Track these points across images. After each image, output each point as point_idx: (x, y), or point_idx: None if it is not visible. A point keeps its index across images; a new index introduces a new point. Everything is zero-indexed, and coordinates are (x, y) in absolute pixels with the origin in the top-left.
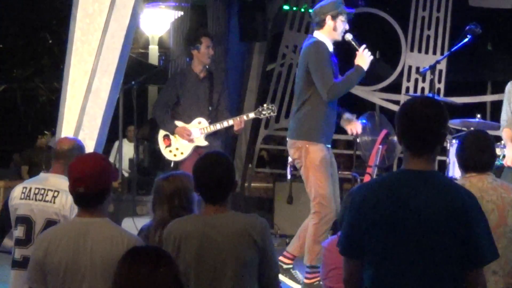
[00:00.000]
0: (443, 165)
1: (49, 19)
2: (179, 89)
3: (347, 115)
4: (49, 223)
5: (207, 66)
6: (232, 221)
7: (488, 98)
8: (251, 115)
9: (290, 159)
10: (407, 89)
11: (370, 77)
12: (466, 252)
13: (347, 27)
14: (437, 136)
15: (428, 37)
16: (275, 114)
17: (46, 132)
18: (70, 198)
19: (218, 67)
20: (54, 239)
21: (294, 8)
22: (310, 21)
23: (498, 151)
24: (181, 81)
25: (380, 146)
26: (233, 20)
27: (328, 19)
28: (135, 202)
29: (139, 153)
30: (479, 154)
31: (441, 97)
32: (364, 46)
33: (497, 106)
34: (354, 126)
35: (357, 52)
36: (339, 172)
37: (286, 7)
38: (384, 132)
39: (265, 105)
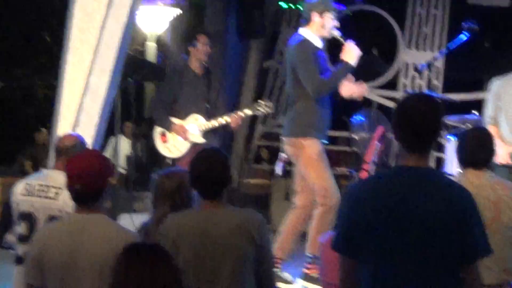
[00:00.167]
0: (440, 162)
1: (49, 19)
2: (176, 87)
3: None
4: (52, 219)
5: (204, 63)
6: (229, 216)
7: (485, 95)
8: (248, 112)
9: (282, 155)
10: (404, 86)
11: (367, 74)
12: (460, 248)
13: (336, 24)
14: (433, 132)
15: (426, 34)
16: (272, 111)
17: (41, 128)
18: None
19: (215, 64)
20: (52, 236)
21: (292, 6)
22: None
23: None
24: (179, 78)
25: (377, 143)
26: (231, 17)
27: (315, 15)
28: (132, 198)
29: (136, 150)
30: (479, 151)
31: (439, 94)
32: (351, 41)
33: None
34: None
35: (344, 48)
36: (336, 169)
37: (283, 5)
38: (381, 128)
39: (262, 101)
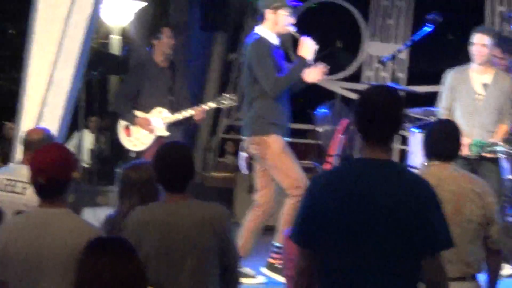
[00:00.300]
0: (404, 154)
1: (12, 11)
2: (140, 80)
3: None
4: (19, 214)
5: (168, 56)
6: (193, 210)
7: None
8: (212, 104)
9: (244, 154)
10: (368, 78)
11: (331, 66)
12: (421, 240)
13: (291, 20)
14: (393, 125)
15: (389, 26)
16: (236, 103)
17: (4, 122)
18: None
19: (179, 57)
20: (14, 230)
21: None
22: None
23: None
24: (142, 71)
25: (341, 135)
26: (195, 10)
27: (269, 12)
28: (95, 192)
29: (100, 143)
30: (444, 143)
31: (403, 86)
32: (306, 36)
33: None
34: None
35: (300, 44)
36: (300, 162)
37: None
38: (345, 121)
39: (226, 94)
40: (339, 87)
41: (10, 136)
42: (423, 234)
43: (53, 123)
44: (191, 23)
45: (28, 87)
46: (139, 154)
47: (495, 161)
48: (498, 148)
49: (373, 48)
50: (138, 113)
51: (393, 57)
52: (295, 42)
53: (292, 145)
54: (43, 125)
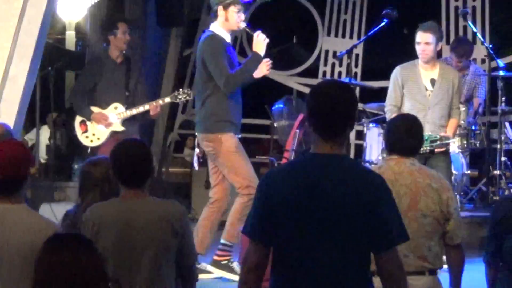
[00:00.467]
0: (360, 149)
1: None
2: (96, 75)
3: None
4: None
5: (124, 52)
6: (151, 207)
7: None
8: (167, 99)
9: (197, 150)
10: (324, 73)
11: (287, 62)
12: (375, 235)
13: (242, 17)
14: (345, 120)
15: (345, 21)
16: (191, 98)
17: None
18: None
19: (135, 52)
20: None
21: None
22: None
23: None
24: (98, 66)
25: (297, 131)
26: (150, 5)
27: (220, 9)
28: (52, 188)
29: (55, 139)
30: (406, 138)
31: (358, 81)
32: (258, 32)
33: None
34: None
35: (253, 39)
36: (257, 157)
37: None
38: (301, 116)
39: (181, 89)
40: (295, 83)
41: None
42: (374, 228)
43: (8, 119)
44: (147, 18)
45: None
46: (94, 149)
47: (446, 154)
48: (452, 144)
49: (329, 43)
50: (94, 109)
51: (349, 52)
52: (250, 40)
53: (254, 140)
54: None
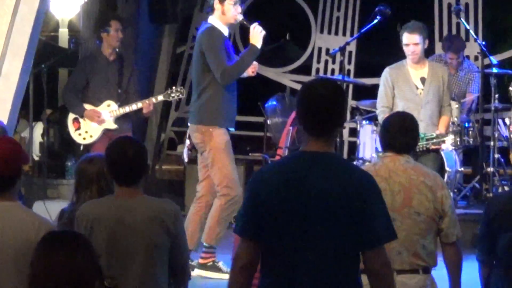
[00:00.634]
0: (354, 146)
1: None
2: (88, 72)
3: None
4: None
5: (116, 49)
6: (145, 206)
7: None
8: (160, 97)
9: (187, 142)
10: (317, 70)
11: (280, 59)
12: (360, 232)
13: (239, 9)
14: (335, 118)
15: (338, 18)
16: (184, 96)
17: None
18: None
19: (128, 50)
20: None
21: None
22: None
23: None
24: (91, 64)
25: (291, 128)
26: (143, 2)
27: (216, 3)
28: (46, 185)
29: (49, 136)
30: (401, 135)
31: (351, 78)
32: (255, 24)
33: None
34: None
35: (250, 32)
36: (250, 154)
37: None
38: (294, 113)
39: (174, 87)
40: (289, 80)
41: None
42: (361, 226)
43: (2, 116)
44: (140, 15)
45: None
46: (87, 147)
47: (436, 152)
48: (446, 141)
49: (322, 41)
50: (87, 106)
51: (342, 49)
52: (244, 35)
53: (247, 138)
54: None
